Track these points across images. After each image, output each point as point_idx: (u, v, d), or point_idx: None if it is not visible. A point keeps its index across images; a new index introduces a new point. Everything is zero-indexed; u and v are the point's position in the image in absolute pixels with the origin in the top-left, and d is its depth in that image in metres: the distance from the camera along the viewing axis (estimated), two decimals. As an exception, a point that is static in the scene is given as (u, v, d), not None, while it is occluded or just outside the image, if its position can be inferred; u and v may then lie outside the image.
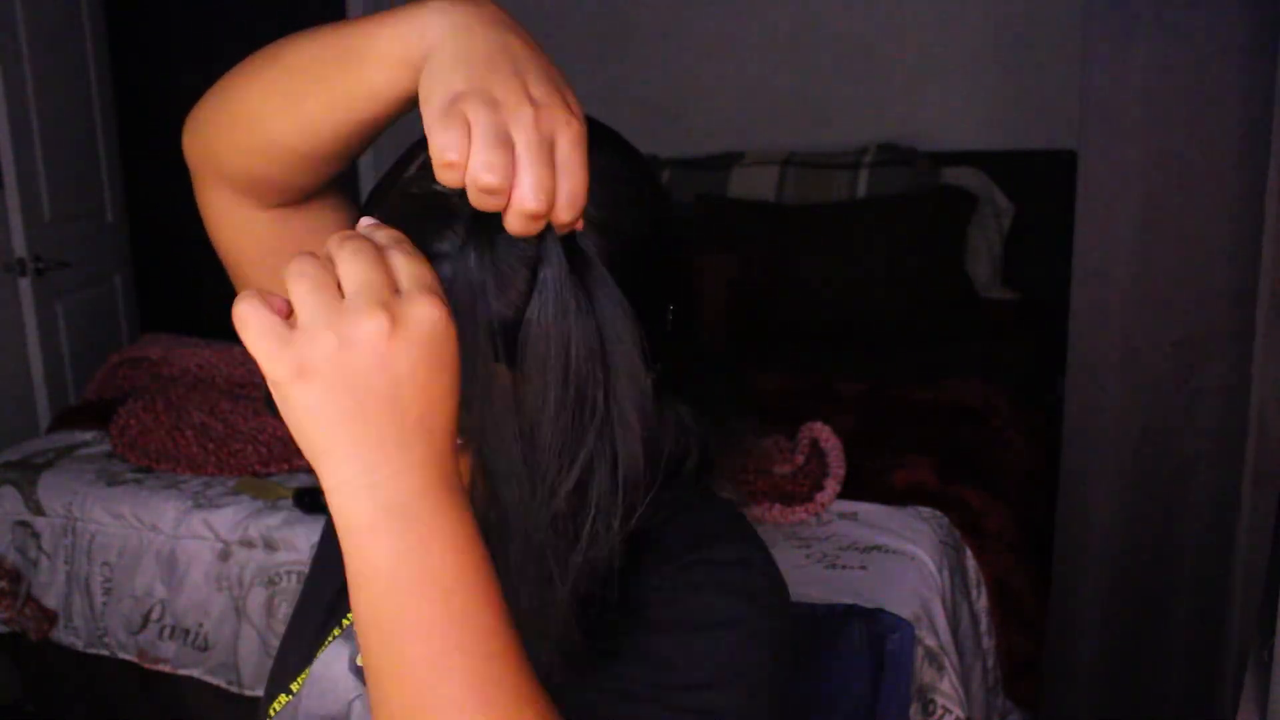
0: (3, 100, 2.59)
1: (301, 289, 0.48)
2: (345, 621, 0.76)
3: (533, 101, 0.51)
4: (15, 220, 2.67)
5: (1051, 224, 2.29)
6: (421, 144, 0.60)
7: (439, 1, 0.54)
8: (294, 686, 0.75)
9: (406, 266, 0.50)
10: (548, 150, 0.51)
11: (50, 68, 2.78)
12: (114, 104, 3.16)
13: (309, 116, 0.59)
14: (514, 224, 0.51)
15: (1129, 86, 1.56)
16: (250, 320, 0.48)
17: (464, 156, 0.50)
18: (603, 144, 0.60)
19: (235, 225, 0.70)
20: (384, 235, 0.52)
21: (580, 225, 0.54)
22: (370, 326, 0.47)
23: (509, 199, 0.50)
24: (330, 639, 0.75)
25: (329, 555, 0.82)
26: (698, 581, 0.63)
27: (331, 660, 0.74)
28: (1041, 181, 2.79)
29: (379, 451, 0.48)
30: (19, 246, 2.69)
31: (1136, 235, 1.59)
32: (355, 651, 0.73)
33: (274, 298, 0.49)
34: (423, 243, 0.55)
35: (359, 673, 0.72)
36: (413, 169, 0.60)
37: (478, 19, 0.53)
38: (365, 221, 0.54)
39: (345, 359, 0.47)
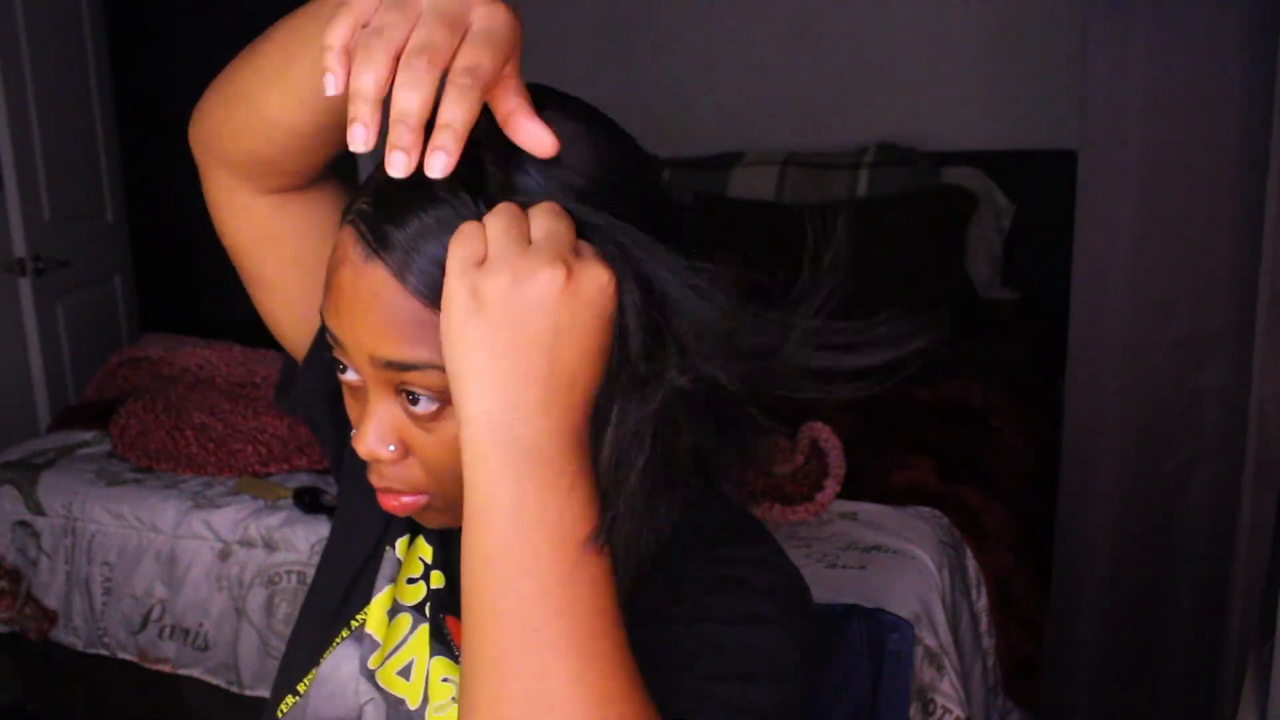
0: (2, 100, 2.59)
1: (496, 227, 0.52)
2: (354, 622, 0.75)
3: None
4: (15, 220, 2.67)
5: (1051, 224, 2.29)
6: None
7: None
8: (300, 687, 0.75)
9: (587, 243, 0.53)
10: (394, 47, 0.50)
11: (50, 68, 2.78)
12: (114, 104, 3.16)
13: (297, 87, 0.60)
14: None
15: (1129, 86, 1.56)
16: (461, 241, 0.52)
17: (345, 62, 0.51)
18: (589, 124, 0.59)
19: (235, 211, 0.71)
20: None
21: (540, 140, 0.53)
22: (548, 273, 0.50)
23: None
24: (338, 640, 0.75)
25: (337, 555, 0.81)
26: (723, 578, 0.63)
27: (340, 662, 0.74)
28: (1041, 181, 2.79)
29: (524, 390, 0.50)
30: (19, 246, 2.69)
31: (1136, 235, 1.59)
32: (366, 654, 0.73)
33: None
34: (408, 212, 0.56)
35: (371, 676, 0.72)
36: None
37: None
38: (548, 205, 0.55)
39: (516, 297, 0.50)
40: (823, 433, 1.86)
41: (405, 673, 0.71)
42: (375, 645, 0.73)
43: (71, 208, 2.90)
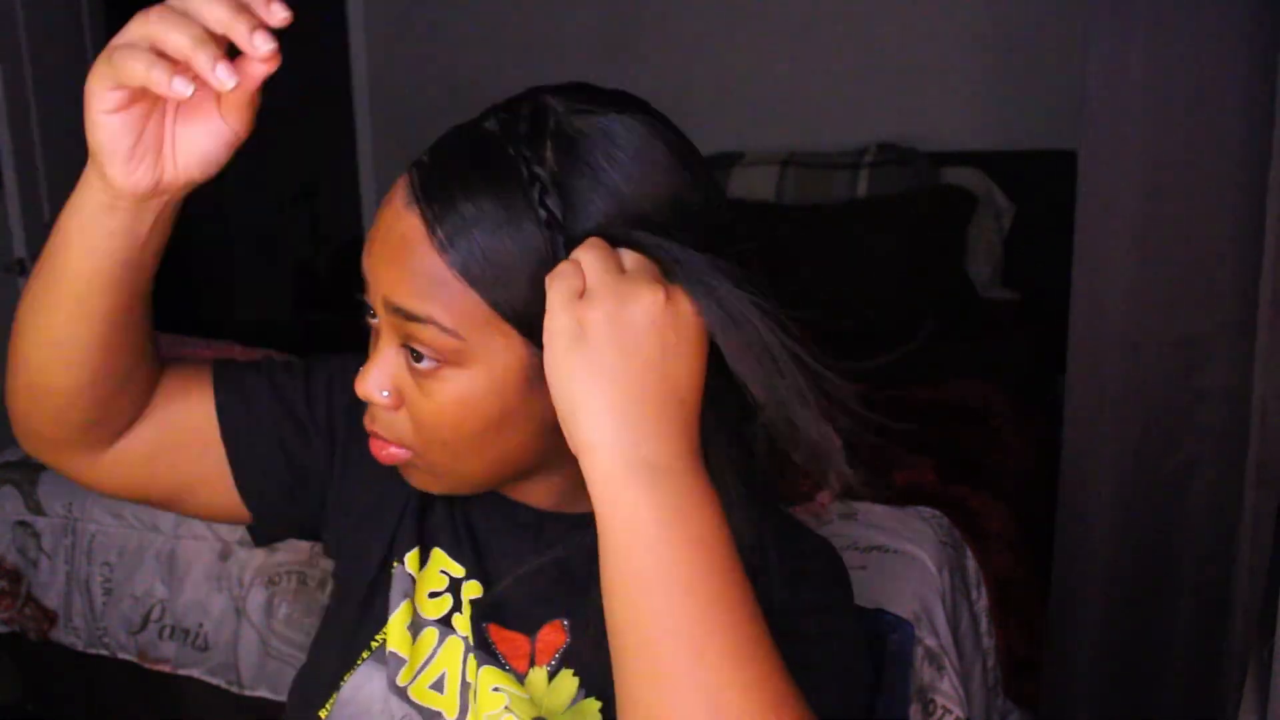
0: (3, 101, 2.59)
1: (592, 258, 0.54)
2: (374, 643, 0.74)
3: None
4: (15, 220, 2.67)
5: (1051, 224, 2.29)
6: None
7: None
8: (323, 714, 0.73)
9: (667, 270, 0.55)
10: None
11: (50, 68, 2.78)
12: (114, 104, 3.15)
13: (62, 349, 0.63)
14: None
15: (1129, 86, 1.55)
16: (561, 276, 0.54)
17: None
18: (639, 125, 0.61)
19: (109, 470, 0.72)
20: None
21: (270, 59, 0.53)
22: (649, 295, 0.52)
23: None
24: (359, 662, 0.73)
25: (345, 584, 0.79)
26: (791, 563, 0.66)
27: (362, 683, 0.72)
28: (1041, 181, 2.78)
29: (639, 411, 0.52)
30: (19, 246, 2.69)
31: (1136, 235, 1.59)
32: (393, 672, 0.71)
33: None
34: (457, 171, 0.59)
35: (402, 693, 0.71)
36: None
37: None
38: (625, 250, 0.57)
39: (621, 320, 0.52)
40: (823, 433, 1.85)
41: (439, 686, 0.71)
42: (401, 662, 0.72)
43: (71, 208, 2.90)
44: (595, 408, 0.51)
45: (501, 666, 0.70)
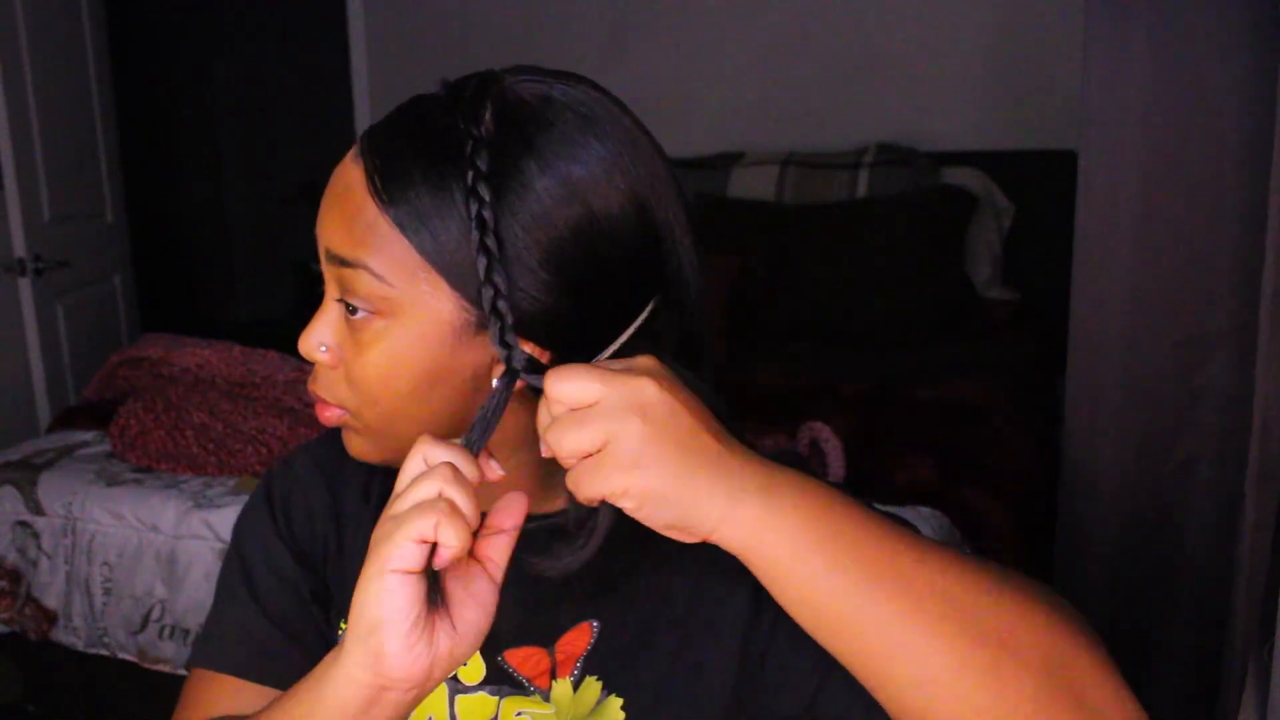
0: (2, 100, 2.59)
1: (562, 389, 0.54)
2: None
3: None
4: (15, 220, 2.67)
5: (1051, 224, 2.29)
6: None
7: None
8: None
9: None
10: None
11: (50, 68, 2.78)
12: (114, 104, 3.16)
13: None
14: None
15: (1129, 86, 1.55)
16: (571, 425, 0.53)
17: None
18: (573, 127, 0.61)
19: None
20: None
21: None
22: (645, 383, 0.53)
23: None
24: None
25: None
26: None
27: None
28: (1041, 181, 2.79)
29: (722, 465, 0.53)
30: (19, 246, 2.69)
31: (1136, 235, 1.59)
32: None
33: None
34: (401, 130, 0.62)
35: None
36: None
37: None
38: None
39: (656, 417, 0.52)
40: (823, 432, 1.85)
41: None
42: None
43: (71, 208, 2.90)
44: (698, 496, 0.52)
45: (527, 692, 0.69)
